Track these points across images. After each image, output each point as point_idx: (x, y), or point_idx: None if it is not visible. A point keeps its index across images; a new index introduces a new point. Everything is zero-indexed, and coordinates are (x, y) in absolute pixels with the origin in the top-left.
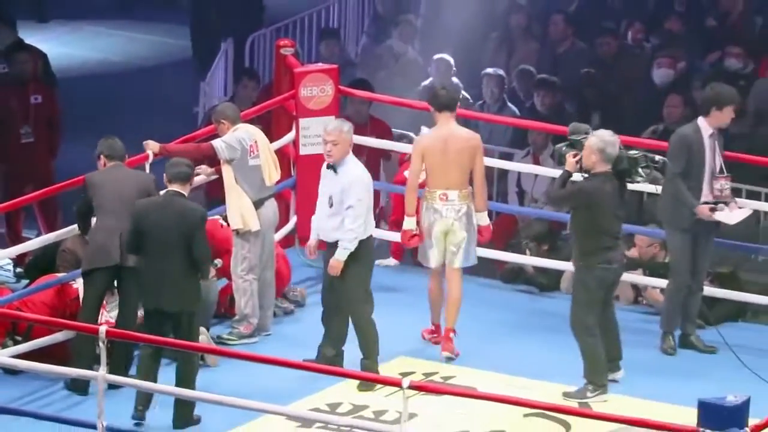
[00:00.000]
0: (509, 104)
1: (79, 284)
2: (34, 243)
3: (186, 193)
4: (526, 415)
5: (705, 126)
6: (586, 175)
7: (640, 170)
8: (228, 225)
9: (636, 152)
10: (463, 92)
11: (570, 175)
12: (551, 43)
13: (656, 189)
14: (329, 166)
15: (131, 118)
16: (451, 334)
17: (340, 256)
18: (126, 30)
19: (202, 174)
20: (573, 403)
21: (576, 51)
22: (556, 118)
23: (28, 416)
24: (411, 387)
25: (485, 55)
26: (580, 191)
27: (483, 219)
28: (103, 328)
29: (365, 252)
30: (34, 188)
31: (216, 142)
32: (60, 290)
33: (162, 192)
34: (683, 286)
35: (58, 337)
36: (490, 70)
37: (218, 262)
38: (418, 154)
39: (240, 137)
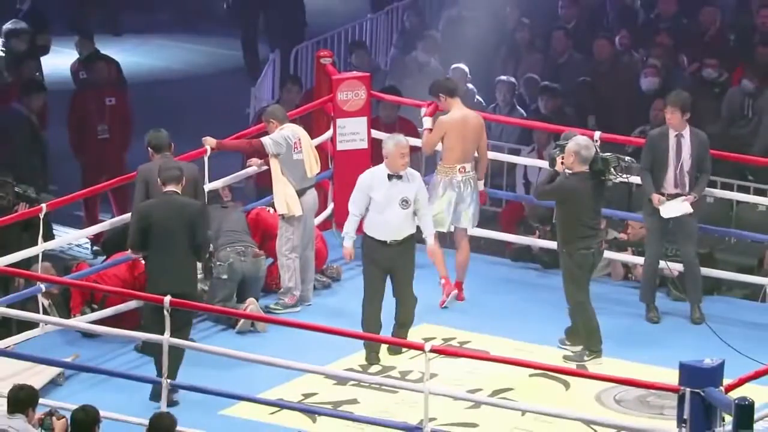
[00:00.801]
0: (518, 107)
1: None
2: (107, 224)
3: (180, 192)
4: (531, 375)
5: (671, 128)
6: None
7: (612, 169)
8: (275, 211)
9: (609, 154)
10: (477, 97)
11: (556, 174)
12: (553, 54)
13: (627, 178)
14: (391, 176)
15: (191, 118)
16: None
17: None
18: (187, 42)
19: (254, 165)
20: (572, 365)
21: (574, 62)
22: (557, 120)
23: (103, 373)
24: (432, 350)
25: (496, 65)
26: (560, 187)
27: (481, 185)
28: (167, 298)
29: None
30: (108, 178)
31: (265, 139)
32: (131, 265)
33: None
34: (654, 263)
35: (129, 305)
36: (503, 77)
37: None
38: (442, 131)
39: (286, 135)
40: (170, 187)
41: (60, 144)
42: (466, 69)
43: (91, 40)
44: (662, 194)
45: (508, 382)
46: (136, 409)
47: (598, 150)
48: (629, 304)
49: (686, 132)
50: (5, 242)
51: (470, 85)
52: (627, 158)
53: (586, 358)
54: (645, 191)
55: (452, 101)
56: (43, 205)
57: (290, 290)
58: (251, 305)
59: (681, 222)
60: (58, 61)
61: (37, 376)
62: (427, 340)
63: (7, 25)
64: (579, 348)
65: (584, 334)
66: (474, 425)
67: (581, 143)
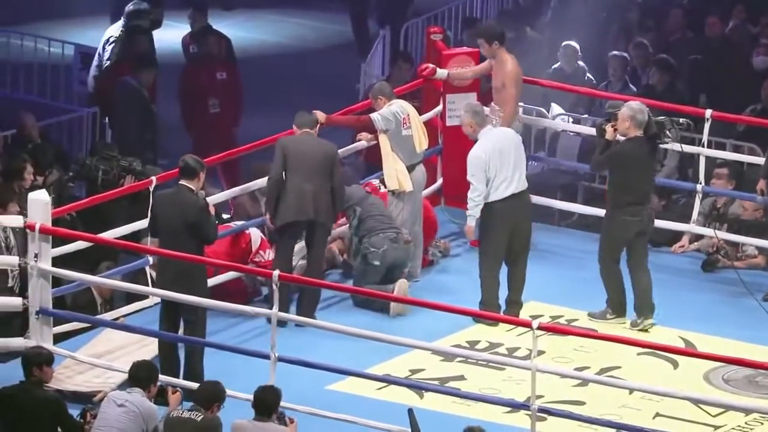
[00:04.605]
0: (630, 85)
1: (252, 231)
2: (217, 197)
3: (194, 188)
4: (639, 354)
5: None
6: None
7: (667, 132)
8: (384, 187)
9: (662, 117)
10: (588, 74)
11: (609, 143)
12: (666, 32)
13: (681, 147)
14: None
15: (301, 94)
16: None
17: None
18: (298, 17)
19: (363, 140)
20: (597, 322)
21: (686, 40)
22: (670, 97)
23: (211, 347)
24: (540, 328)
25: (607, 43)
26: (613, 153)
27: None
28: (276, 273)
29: None
30: (218, 152)
31: (373, 115)
32: (235, 238)
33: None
34: None
35: (230, 275)
36: (615, 52)
37: None
38: (519, 82)
39: (394, 111)
40: (182, 181)
41: (170, 118)
42: (577, 46)
43: (204, 13)
44: None
45: (615, 360)
46: (243, 383)
47: (651, 114)
48: (736, 283)
49: None
50: (113, 215)
51: (581, 63)
52: (682, 120)
53: (609, 316)
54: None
55: (501, 49)
56: (153, 178)
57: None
58: (401, 285)
59: None
60: (169, 35)
61: (146, 348)
62: (534, 317)
63: (130, 6)
64: (649, 321)
65: (608, 298)
66: (581, 403)
67: (635, 108)
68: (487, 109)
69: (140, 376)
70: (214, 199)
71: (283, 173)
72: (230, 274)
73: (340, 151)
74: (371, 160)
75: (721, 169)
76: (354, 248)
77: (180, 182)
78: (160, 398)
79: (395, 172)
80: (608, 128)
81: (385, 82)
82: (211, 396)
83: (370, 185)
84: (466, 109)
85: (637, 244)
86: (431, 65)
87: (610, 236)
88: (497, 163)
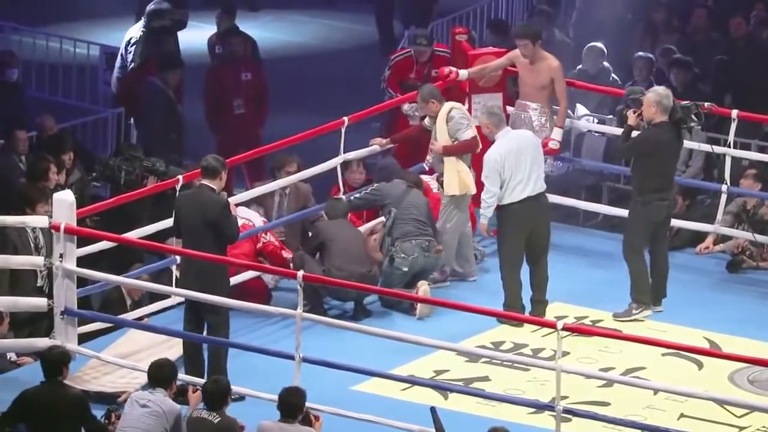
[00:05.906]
0: (655, 86)
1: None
2: (241, 196)
3: (215, 187)
4: (663, 355)
5: None
6: (647, 126)
7: (693, 116)
8: (441, 189)
9: (687, 102)
10: (613, 75)
11: (632, 129)
12: (690, 33)
13: (712, 149)
14: None
15: (326, 94)
16: None
17: None
18: (323, 18)
19: (376, 144)
20: (623, 323)
21: (711, 41)
22: (691, 97)
23: (234, 347)
24: (565, 329)
25: (632, 44)
26: (640, 140)
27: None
28: (300, 273)
29: None
30: (243, 153)
31: (464, 135)
32: (254, 239)
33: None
34: None
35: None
36: (640, 53)
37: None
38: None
39: (462, 116)
40: (204, 180)
41: (196, 118)
42: (603, 47)
43: (231, 14)
44: None
45: (640, 361)
46: (267, 383)
47: (675, 101)
48: (761, 284)
49: None
50: (137, 215)
51: (606, 63)
52: (707, 104)
53: (634, 312)
54: None
55: (540, 47)
56: (180, 177)
57: (441, 266)
58: (422, 287)
59: None
60: (196, 36)
61: (171, 350)
62: (559, 318)
63: (151, 6)
64: (657, 308)
65: (633, 285)
66: (606, 404)
67: (661, 93)
68: (511, 109)
69: (161, 375)
70: (237, 198)
71: (318, 254)
72: (251, 273)
73: (358, 153)
74: (402, 163)
75: (750, 169)
76: (387, 247)
77: (201, 182)
78: (180, 397)
79: (457, 174)
80: (630, 114)
81: (429, 84)
82: (221, 395)
83: (427, 184)
84: (482, 110)
85: (661, 229)
86: (453, 69)
87: (640, 221)
88: (513, 165)
